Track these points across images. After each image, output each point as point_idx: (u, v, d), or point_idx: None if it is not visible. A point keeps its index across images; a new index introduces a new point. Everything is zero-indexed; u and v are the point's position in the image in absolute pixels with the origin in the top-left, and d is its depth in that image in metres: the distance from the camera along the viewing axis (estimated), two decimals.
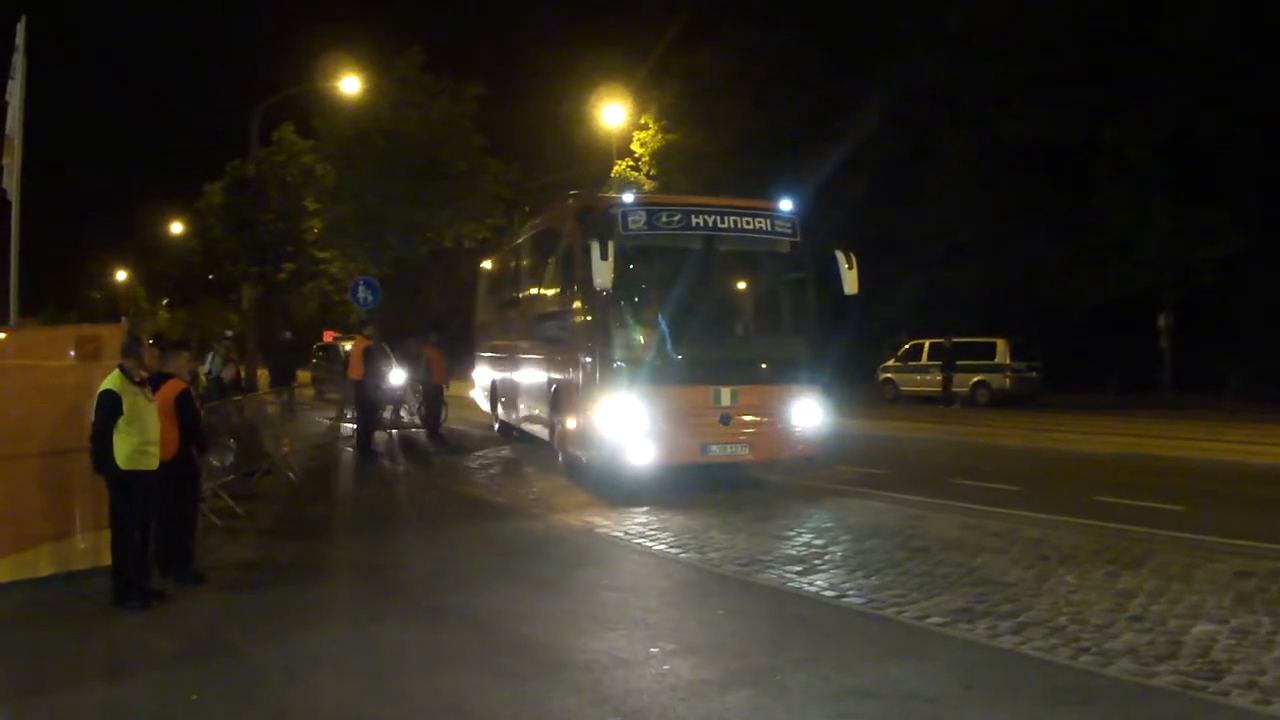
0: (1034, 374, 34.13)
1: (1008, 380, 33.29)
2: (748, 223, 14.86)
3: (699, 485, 14.76)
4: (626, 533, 11.99)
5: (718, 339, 15.09)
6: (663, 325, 14.30)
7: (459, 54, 39.59)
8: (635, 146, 40.03)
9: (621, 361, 14.13)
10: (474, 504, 14.47)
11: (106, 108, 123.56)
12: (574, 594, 9.43)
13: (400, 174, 33.01)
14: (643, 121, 40.68)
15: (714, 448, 14.25)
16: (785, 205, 15.30)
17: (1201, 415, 27.73)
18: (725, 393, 14.25)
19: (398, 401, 25.51)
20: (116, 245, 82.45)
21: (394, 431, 23.68)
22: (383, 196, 33.14)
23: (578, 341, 15.21)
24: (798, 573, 9.91)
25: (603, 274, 13.18)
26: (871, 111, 36.87)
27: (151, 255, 71.32)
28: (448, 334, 27.90)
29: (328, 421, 26.67)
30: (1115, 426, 25.29)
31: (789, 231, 15.16)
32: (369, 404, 20.57)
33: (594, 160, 40.56)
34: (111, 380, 8.79)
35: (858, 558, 10.53)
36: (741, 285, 16.23)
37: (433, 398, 23.88)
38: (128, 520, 8.83)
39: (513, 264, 21.86)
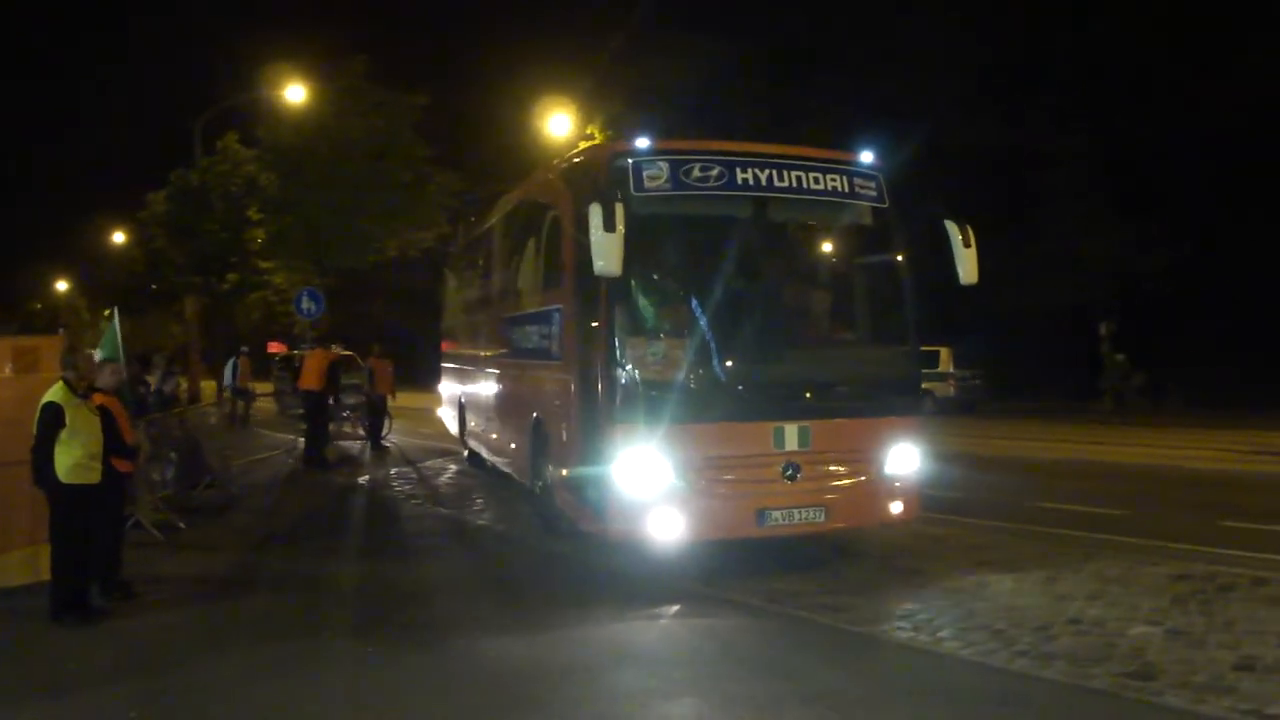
0: (977, 381, 34.40)
1: (951, 387, 33.52)
2: (817, 181, 10.43)
3: (757, 568, 10.32)
4: (577, 546, 11.43)
5: (779, 352, 10.44)
6: (699, 331, 9.92)
7: (404, 64, 39.41)
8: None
9: (636, 386, 9.69)
10: (421, 518, 14.37)
11: (47, 115, 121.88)
12: (521, 604, 9.43)
13: (344, 184, 32.90)
14: (588, 132, 40.69)
15: (775, 514, 9.88)
16: (866, 157, 10.88)
17: (1142, 421, 28.10)
18: (791, 432, 9.91)
19: (354, 414, 25.49)
20: (57, 255, 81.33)
21: (338, 443, 23.57)
22: (327, 206, 33.02)
23: (570, 355, 11.00)
24: (736, 579, 9.95)
25: (607, 253, 8.93)
26: (820, 122, 37.06)
27: (93, 265, 70.43)
28: (394, 345, 27.77)
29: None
30: (1057, 432, 25.61)
31: (874, 194, 10.77)
32: (322, 417, 20.38)
33: (540, 170, 40.55)
34: (54, 392, 8.75)
35: (795, 564, 10.50)
36: (809, 272, 11.60)
37: (377, 410, 23.75)
38: (68, 534, 8.76)
39: (481, 253, 17.85)
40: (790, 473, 9.95)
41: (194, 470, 15.38)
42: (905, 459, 10.54)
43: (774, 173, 10.28)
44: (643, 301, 10.20)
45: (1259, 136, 30.29)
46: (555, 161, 13.21)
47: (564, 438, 11.31)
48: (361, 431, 24.84)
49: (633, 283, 9.88)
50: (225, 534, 13.17)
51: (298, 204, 33.75)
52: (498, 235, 16.24)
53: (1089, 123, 33.65)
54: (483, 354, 16.92)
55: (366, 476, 18.80)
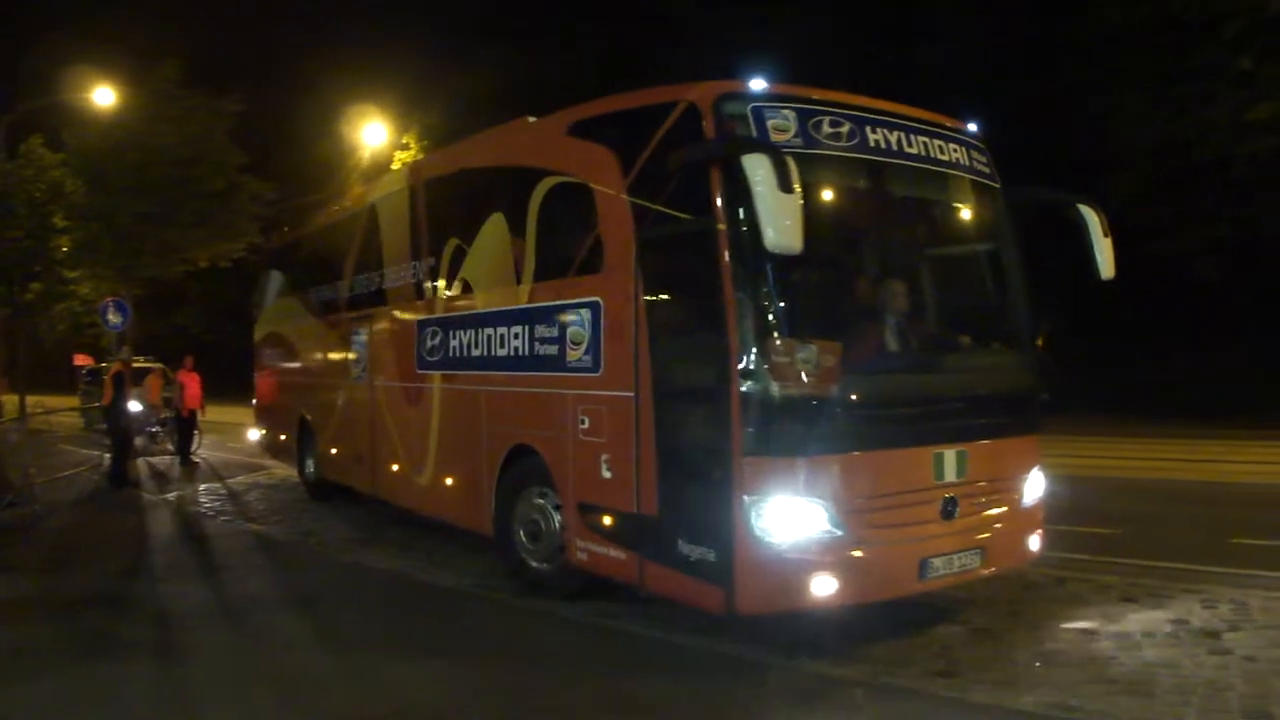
0: None
1: None
2: (941, 150, 8.61)
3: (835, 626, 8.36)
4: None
5: (931, 358, 8.88)
6: (847, 332, 7.88)
7: (218, 69, 38.59)
8: (395, 167, 39.66)
9: (778, 405, 7.32)
10: (226, 535, 14.22)
11: None
12: (314, 617, 9.45)
13: (154, 191, 32.20)
14: (404, 142, 40.54)
15: (936, 562, 7.94)
16: (971, 127, 9.24)
17: None
18: (950, 458, 8.09)
19: (153, 428, 24.89)
20: None
21: (145, 459, 23.09)
22: (135, 214, 32.27)
23: (624, 365, 8.47)
24: (515, 592, 10.11)
25: (784, 223, 6.69)
26: None
27: None
28: (203, 357, 27.20)
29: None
30: None
31: (988, 171, 9.10)
32: (123, 431, 19.92)
33: (358, 180, 40.20)
34: None
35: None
36: (944, 260, 9.56)
37: (185, 424, 23.31)
38: None
39: (353, 241, 14.80)
40: (949, 510, 8.09)
41: None
42: (1038, 485, 9.07)
43: (902, 136, 8.39)
44: (779, 294, 7.51)
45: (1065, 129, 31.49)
46: (541, 115, 10.59)
47: (605, 474, 8.78)
48: (170, 446, 24.35)
49: (768, 268, 7.37)
50: (27, 554, 12.89)
51: (105, 211, 32.90)
52: (396, 216, 13.29)
53: None
54: (365, 367, 14.12)
55: (175, 493, 18.50)
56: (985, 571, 8.40)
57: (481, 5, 45.89)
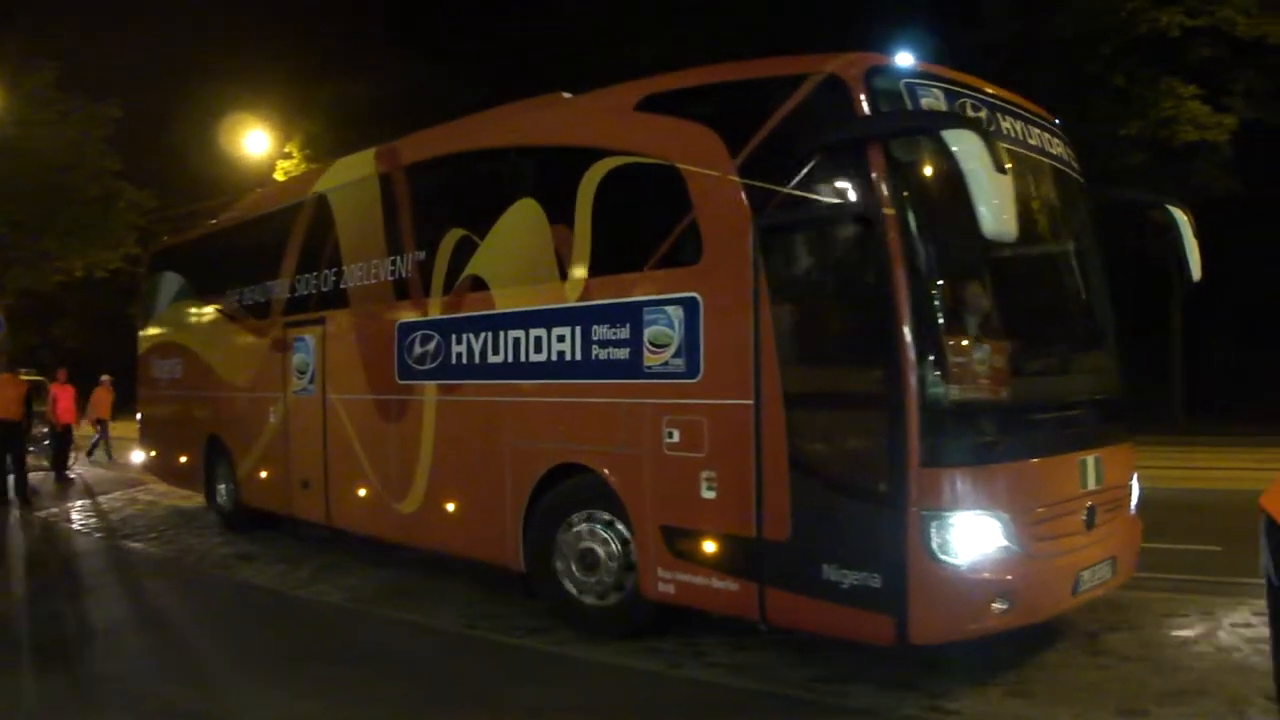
0: None
1: None
2: (1050, 143, 8.10)
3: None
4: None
5: (1073, 358, 8.48)
6: (1008, 330, 7.28)
7: (96, 74, 37.66)
8: (279, 176, 39.00)
9: (952, 410, 6.68)
10: (100, 553, 13.78)
11: None
12: (187, 640, 9.16)
13: (26, 198, 31.35)
14: (287, 150, 39.97)
15: (1085, 574, 7.34)
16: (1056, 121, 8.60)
17: None
18: (1090, 464, 7.57)
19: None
20: None
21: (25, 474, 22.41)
22: (7, 222, 31.41)
23: (738, 368, 7.37)
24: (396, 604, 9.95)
25: (996, 203, 5.95)
26: None
27: None
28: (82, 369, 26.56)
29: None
30: None
31: (1078, 169, 8.62)
32: (23, 448, 19.12)
33: (239, 189, 39.68)
34: None
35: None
36: (1051, 254, 8.63)
37: (61, 438, 22.71)
38: None
39: (312, 231, 12.75)
40: (1091, 519, 7.52)
41: None
42: (1138, 492, 8.59)
43: (1024, 125, 7.79)
44: (956, 287, 6.94)
45: None
46: (602, 90, 9.38)
47: (706, 494, 7.67)
48: (45, 462, 23.70)
49: (947, 259, 6.82)
50: None
51: None
52: (361, 206, 11.77)
53: None
54: (314, 378, 12.34)
55: (49, 510, 17.98)
56: (1114, 583, 7.88)
57: (368, 12, 45.53)
